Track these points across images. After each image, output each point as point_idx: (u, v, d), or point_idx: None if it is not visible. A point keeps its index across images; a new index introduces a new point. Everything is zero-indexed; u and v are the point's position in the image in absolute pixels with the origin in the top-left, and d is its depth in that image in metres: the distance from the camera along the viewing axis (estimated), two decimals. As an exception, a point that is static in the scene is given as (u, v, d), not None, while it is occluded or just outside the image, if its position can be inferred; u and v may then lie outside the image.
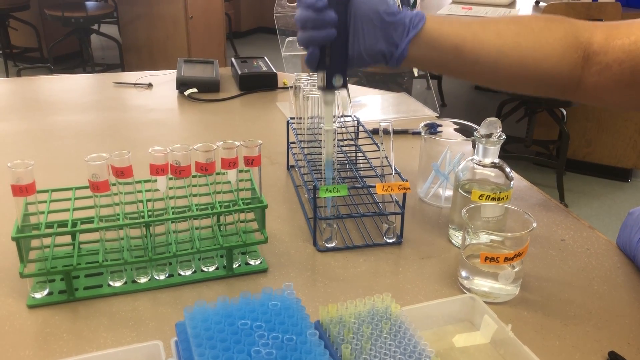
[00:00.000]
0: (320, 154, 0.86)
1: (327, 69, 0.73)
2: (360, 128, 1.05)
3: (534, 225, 0.70)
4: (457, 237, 0.85)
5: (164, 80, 1.61)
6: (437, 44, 0.73)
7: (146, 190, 0.78)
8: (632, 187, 3.11)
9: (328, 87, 0.75)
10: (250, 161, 0.74)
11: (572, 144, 3.08)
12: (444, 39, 0.73)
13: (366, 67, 0.75)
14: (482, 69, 0.75)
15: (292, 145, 1.05)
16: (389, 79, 2.15)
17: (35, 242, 0.72)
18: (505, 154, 0.79)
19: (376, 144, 0.94)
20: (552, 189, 2.95)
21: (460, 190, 0.82)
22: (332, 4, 0.70)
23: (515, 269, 0.72)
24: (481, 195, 0.79)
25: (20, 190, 0.65)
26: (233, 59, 1.66)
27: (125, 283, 0.73)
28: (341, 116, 1.02)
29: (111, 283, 0.73)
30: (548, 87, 0.77)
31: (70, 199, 0.77)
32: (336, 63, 0.73)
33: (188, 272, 0.76)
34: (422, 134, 0.97)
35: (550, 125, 3.10)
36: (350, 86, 1.04)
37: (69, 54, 4.91)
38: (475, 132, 0.81)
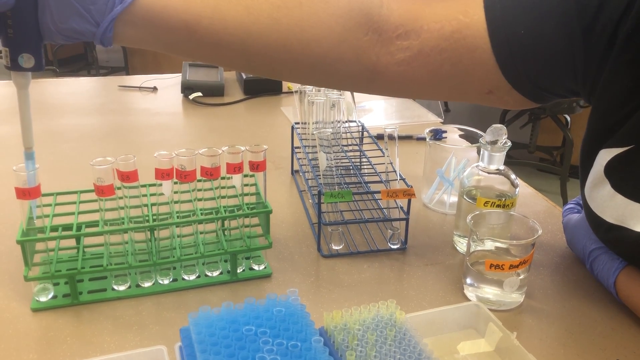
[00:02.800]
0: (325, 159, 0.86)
1: (10, 45, 0.58)
2: (365, 133, 1.05)
3: (540, 232, 0.70)
4: (461, 243, 0.85)
5: (169, 83, 1.61)
6: (160, 22, 0.58)
7: (151, 195, 0.78)
8: (636, 194, 3.10)
9: (13, 67, 0.59)
10: (256, 166, 0.74)
11: (576, 150, 3.08)
12: (170, 16, 0.57)
13: (64, 43, 0.61)
14: (229, 54, 0.60)
15: (296, 150, 1.05)
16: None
17: (39, 246, 0.72)
18: (509, 159, 0.78)
19: (381, 150, 0.93)
20: (555, 195, 2.94)
21: (465, 197, 0.82)
22: None
23: (521, 277, 0.71)
24: (486, 202, 0.79)
25: (24, 193, 0.65)
26: (238, 63, 1.66)
27: (129, 287, 0.73)
28: (346, 121, 1.02)
29: (115, 287, 0.73)
30: (332, 78, 0.64)
31: (75, 203, 0.77)
32: (22, 38, 0.58)
33: (192, 277, 0.75)
34: (427, 139, 0.97)
35: (554, 131, 3.10)
36: (354, 91, 1.04)
37: (74, 57, 4.93)
38: (480, 139, 0.81)
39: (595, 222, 0.67)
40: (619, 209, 0.63)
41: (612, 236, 0.66)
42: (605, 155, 0.64)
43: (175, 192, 0.73)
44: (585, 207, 0.68)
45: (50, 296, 0.71)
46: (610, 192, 0.63)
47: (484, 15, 0.61)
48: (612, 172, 0.63)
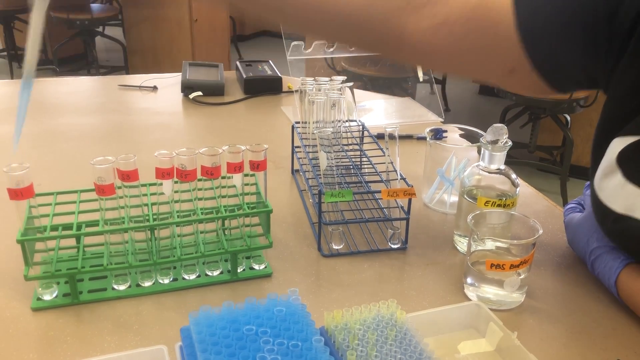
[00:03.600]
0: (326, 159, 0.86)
1: None
2: (365, 133, 1.05)
3: (540, 232, 0.70)
4: (462, 243, 0.85)
5: (169, 83, 1.61)
6: None
7: (151, 194, 0.78)
8: (636, 194, 3.10)
9: None
10: (256, 166, 0.74)
11: (576, 149, 3.08)
12: None
13: None
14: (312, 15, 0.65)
15: (297, 150, 1.05)
16: (393, 83, 2.15)
17: (39, 245, 0.72)
18: (509, 159, 0.79)
19: (381, 149, 0.93)
20: (556, 195, 2.94)
21: (465, 197, 0.82)
22: None
23: (521, 276, 0.71)
24: (487, 202, 0.79)
25: (16, 194, 0.65)
26: (238, 63, 1.66)
27: (130, 287, 0.73)
28: (346, 121, 1.02)
29: (115, 286, 0.73)
30: (361, 39, 0.67)
31: (75, 202, 0.77)
32: None
33: (192, 276, 0.75)
34: (428, 139, 0.96)
35: (555, 131, 3.10)
36: (355, 91, 1.04)
37: (74, 56, 4.92)
38: (481, 138, 0.81)
39: (603, 213, 0.67)
40: (629, 199, 0.63)
41: (618, 227, 0.66)
42: (618, 144, 0.64)
43: (176, 192, 0.73)
44: (593, 198, 0.68)
45: (54, 295, 0.71)
46: (621, 182, 0.64)
47: None
48: (625, 160, 0.63)
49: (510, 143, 0.79)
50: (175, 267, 0.76)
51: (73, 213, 0.74)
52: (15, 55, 4.75)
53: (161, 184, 0.71)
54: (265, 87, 1.55)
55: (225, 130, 1.31)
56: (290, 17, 0.66)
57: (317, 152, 0.93)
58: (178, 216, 0.73)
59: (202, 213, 0.75)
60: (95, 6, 4.43)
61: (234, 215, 0.75)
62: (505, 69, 0.65)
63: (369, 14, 0.63)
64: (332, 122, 0.96)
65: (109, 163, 0.66)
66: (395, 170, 0.86)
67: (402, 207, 0.86)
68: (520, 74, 0.65)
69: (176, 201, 0.74)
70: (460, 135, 1.03)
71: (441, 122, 1.41)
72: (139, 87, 1.58)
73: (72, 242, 0.78)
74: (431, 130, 0.98)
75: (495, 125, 0.79)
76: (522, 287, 0.73)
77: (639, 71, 0.60)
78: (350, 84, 1.01)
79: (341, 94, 0.96)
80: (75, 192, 0.78)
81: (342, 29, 0.66)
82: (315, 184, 0.88)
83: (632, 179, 0.62)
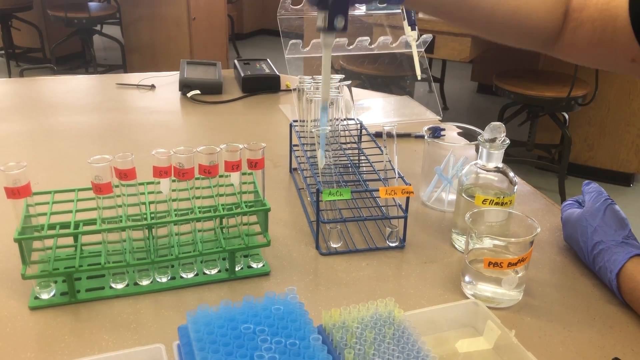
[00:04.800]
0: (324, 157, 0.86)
1: (330, 9, 0.69)
2: (363, 131, 1.05)
3: (538, 230, 0.70)
4: (460, 241, 0.85)
5: (167, 81, 1.61)
6: None
7: (149, 193, 0.78)
8: (634, 192, 3.11)
9: (329, 29, 0.70)
10: (254, 164, 0.74)
11: (574, 148, 3.08)
12: None
13: (364, 3, 0.73)
14: (479, 15, 0.75)
15: (295, 148, 1.05)
16: (392, 81, 2.15)
17: (37, 244, 0.72)
18: (507, 157, 0.79)
19: (379, 147, 0.93)
20: (554, 193, 2.95)
21: (463, 195, 0.82)
22: None
23: (519, 274, 0.71)
24: (485, 200, 0.79)
25: (13, 192, 0.65)
26: (236, 61, 1.66)
27: (127, 285, 0.73)
28: (344, 119, 1.02)
29: (113, 285, 0.73)
30: (532, 40, 0.78)
31: (72, 201, 0.76)
32: (338, 2, 0.69)
33: (190, 275, 0.75)
34: (426, 137, 0.96)
35: (553, 129, 3.10)
36: (353, 89, 1.04)
37: (72, 55, 4.92)
38: (479, 137, 0.81)
39: None
40: None
41: None
42: None
43: (174, 190, 0.73)
44: None
45: (52, 293, 0.70)
46: None
47: None
48: None
49: (508, 141, 0.79)
50: (172, 266, 0.76)
51: (70, 212, 0.74)
52: (13, 54, 4.74)
53: (159, 183, 0.71)
54: (263, 86, 1.55)
55: (223, 129, 1.31)
56: (472, 24, 0.78)
57: (315, 150, 0.93)
58: (176, 215, 0.73)
59: (199, 211, 0.75)
60: (93, 5, 4.42)
61: (232, 214, 0.75)
62: (628, 59, 0.71)
63: (546, 21, 0.75)
64: (330, 120, 0.96)
65: (106, 162, 0.66)
66: (393, 169, 0.86)
67: (400, 206, 0.86)
68: None
69: (174, 200, 0.74)
70: (458, 134, 1.03)
71: (439, 120, 1.41)
72: (137, 85, 1.58)
73: (69, 240, 0.78)
74: (429, 129, 0.98)
75: (493, 123, 0.79)
76: (520, 285, 0.73)
77: None
78: (349, 82, 1.01)
79: (339, 93, 0.96)
80: (73, 190, 0.78)
81: (513, 34, 0.77)
82: (313, 182, 0.88)
83: None
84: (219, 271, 0.77)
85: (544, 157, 3.21)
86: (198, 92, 1.49)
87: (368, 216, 0.91)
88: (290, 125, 1.04)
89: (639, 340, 0.67)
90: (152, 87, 1.57)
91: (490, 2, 0.74)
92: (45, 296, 0.70)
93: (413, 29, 1.27)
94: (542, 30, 0.76)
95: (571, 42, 0.76)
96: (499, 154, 0.80)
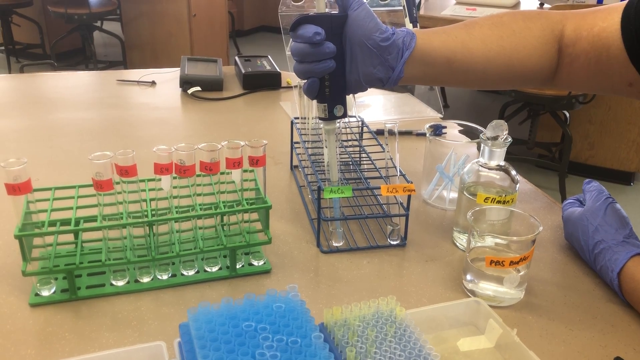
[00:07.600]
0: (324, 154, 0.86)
1: (328, 101, 0.74)
2: (365, 129, 1.04)
3: (540, 229, 0.70)
4: (461, 240, 0.85)
5: (167, 78, 1.60)
6: (430, 60, 0.74)
7: (150, 190, 0.78)
8: (635, 191, 3.11)
9: (330, 118, 0.75)
10: (255, 161, 0.73)
11: (574, 146, 3.08)
12: (436, 54, 0.74)
13: (362, 91, 0.76)
14: (473, 76, 0.77)
15: (296, 146, 1.04)
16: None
17: (37, 241, 0.72)
18: (507, 155, 0.79)
19: (380, 145, 0.93)
20: (554, 191, 2.94)
21: (465, 193, 0.82)
22: (328, 36, 0.69)
23: (521, 273, 0.71)
24: (486, 198, 0.78)
25: (14, 189, 0.64)
26: (237, 58, 1.65)
27: (128, 282, 0.73)
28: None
29: (114, 282, 0.73)
30: (530, 81, 0.80)
31: (73, 197, 0.76)
32: (336, 93, 0.73)
33: (191, 272, 0.75)
34: (427, 135, 0.96)
35: (553, 127, 3.10)
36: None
37: (72, 51, 4.91)
38: (481, 135, 0.81)
39: None
40: None
41: None
42: None
43: (174, 187, 0.72)
44: None
45: (52, 290, 0.70)
46: None
47: (620, 17, 0.70)
48: None
49: (510, 139, 0.79)
50: (173, 263, 0.76)
51: (71, 208, 0.74)
52: (13, 50, 4.73)
53: (160, 180, 0.70)
54: (264, 83, 1.54)
55: (224, 126, 1.30)
56: (487, 78, 0.78)
57: (315, 147, 0.93)
58: (177, 212, 0.73)
59: (200, 209, 0.75)
60: (93, 1, 4.41)
61: (233, 211, 0.75)
62: (625, 84, 0.73)
63: (541, 63, 0.76)
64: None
65: (107, 158, 0.66)
66: (395, 167, 0.85)
67: (401, 204, 0.85)
68: (639, 86, 0.72)
69: (175, 197, 0.73)
70: (460, 132, 1.03)
71: (440, 118, 1.40)
72: (137, 82, 1.57)
73: (70, 237, 0.78)
74: (430, 127, 0.97)
75: (495, 121, 0.79)
76: (522, 284, 0.73)
77: None
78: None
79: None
80: (74, 187, 0.78)
81: (519, 79, 0.79)
82: (314, 179, 0.87)
83: None
84: (220, 269, 0.76)
85: (544, 156, 3.21)
86: (199, 88, 1.49)
87: (369, 214, 0.91)
88: (292, 123, 1.03)
89: (640, 339, 0.67)
90: (153, 83, 1.57)
91: (481, 64, 0.75)
92: (45, 293, 0.70)
93: (414, 26, 1.26)
94: (539, 72, 0.77)
95: (568, 76, 0.77)
96: (501, 152, 0.79)
